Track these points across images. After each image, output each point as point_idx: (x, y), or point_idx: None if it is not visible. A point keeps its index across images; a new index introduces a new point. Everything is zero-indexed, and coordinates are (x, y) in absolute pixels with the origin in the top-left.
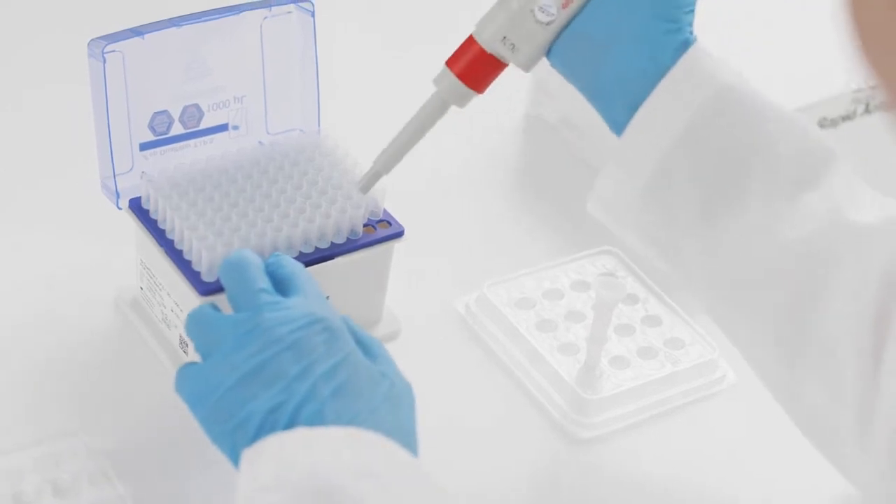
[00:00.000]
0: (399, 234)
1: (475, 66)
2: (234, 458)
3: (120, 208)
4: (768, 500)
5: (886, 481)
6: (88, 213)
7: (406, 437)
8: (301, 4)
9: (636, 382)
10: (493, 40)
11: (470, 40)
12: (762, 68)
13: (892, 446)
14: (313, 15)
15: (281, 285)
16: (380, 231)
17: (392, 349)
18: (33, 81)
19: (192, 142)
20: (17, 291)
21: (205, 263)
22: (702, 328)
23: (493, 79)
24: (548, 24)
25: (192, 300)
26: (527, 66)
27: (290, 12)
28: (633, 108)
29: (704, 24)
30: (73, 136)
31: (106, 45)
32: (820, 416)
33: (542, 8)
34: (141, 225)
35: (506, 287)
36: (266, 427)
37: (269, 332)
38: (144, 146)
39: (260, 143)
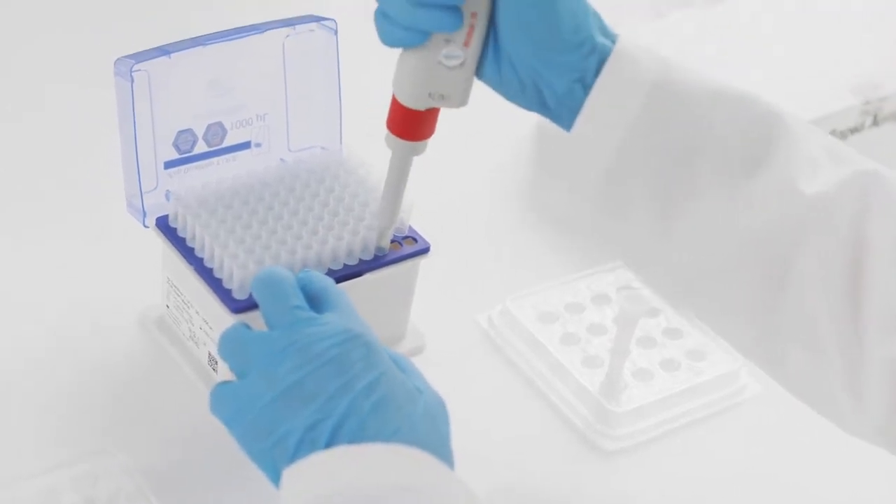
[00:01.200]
0: (425, 251)
1: (413, 123)
2: (274, 477)
3: (147, 227)
4: None
5: (886, 436)
6: (112, 232)
7: (444, 451)
8: (324, 23)
9: (660, 394)
10: (419, 99)
11: (396, 103)
12: (770, 82)
13: (887, 401)
14: (336, 33)
15: (313, 301)
16: (406, 247)
17: (417, 364)
18: (57, 100)
19: (215, 160)
20: (43, 311)
21: (236, 281)
22: (722, 339)
23: (435, 121)
24: (461, 64)
25: (223, 318)
26: (462, 104)
27: (312, 31)
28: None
29: (713, 37)
30: (96, 155)
31: (133, 63)
32: (807, 381)
33: (447, 56)
34: (169, 243)
35: (528, 300)
36: (306, 444)
37: (307, 348)
38: (169, 164)
39: (282, 160)
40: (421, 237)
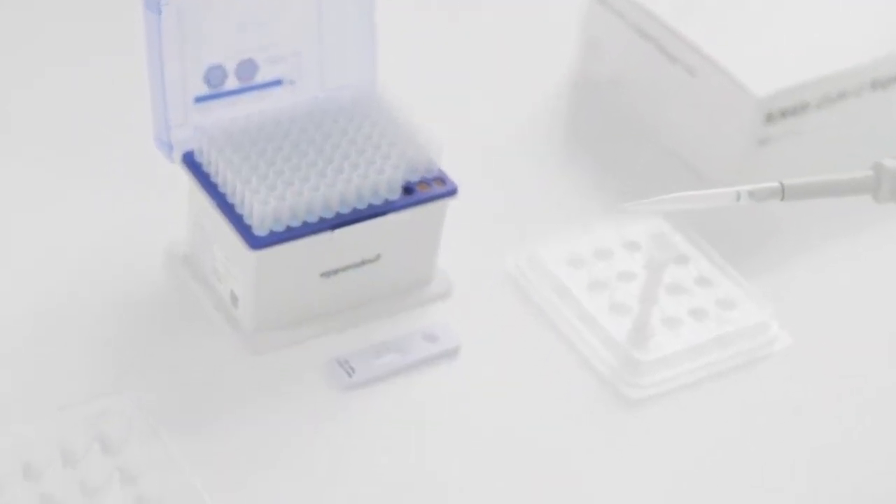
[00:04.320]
0: (453, 192)
1: None
2: None
3: (173, 162)
4: (819, 463)
5: None
6: (142, 168)
7: None
8: None
9: (687, 343)
10: None
11: None
12: (814, 31)
13: None
14: None
15: None
16: (434, 188)
17: (444, 308)
18: (85, 35)
19: (246, 96)
20: (69, 246)
21: (256, 217)
22: (754, 289)
23: None
24: None
25: (243, 254)
26: None
27: None
28: None
29: None
30: (130, 88)
31: None
32: None
33: None
34: (194, 178)
35: (557, 245)
36: None
37: None
38: (200, 99)
39: (315, 97)
40: (449, 179)
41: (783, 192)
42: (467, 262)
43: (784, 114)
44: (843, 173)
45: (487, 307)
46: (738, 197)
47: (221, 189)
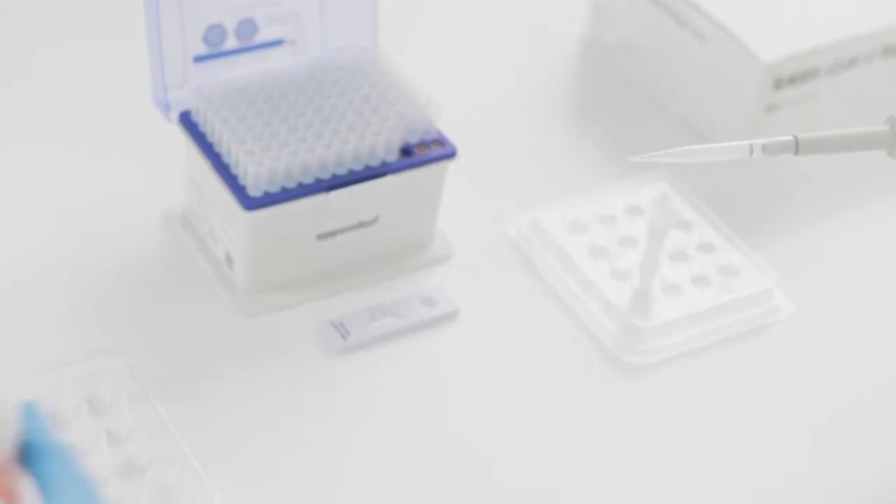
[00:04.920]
0: (451, 155)
1: None
2: None
3: (170, 121)
4: (821, 431)
5: None
6: (142, 128)
7: None
8: None
9: (689, 310)
10: None
11: None
12: None
13: None
14: None
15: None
16: (433, 150)
17: (444, 272)
18: None
19: (246, 56)
20: (66, 206)
21: (251, 178)
22: (758, 256)
23: None
24: None
25: (237, 215)
26: None
27: None
28: None
29: None
30: (127, 49)
31: None
32: None
33: None
34: (190, 138)
35: (558, 210)
36: None
37: None
38: (199, 59)
39: (315, 58)
40: (449, 141)
41: (797, 146)
42: (468, 227)
43: (793, 80)
44: (857, 128)
45: (487, 272)
46: (752, 151)
47: (217, 149)
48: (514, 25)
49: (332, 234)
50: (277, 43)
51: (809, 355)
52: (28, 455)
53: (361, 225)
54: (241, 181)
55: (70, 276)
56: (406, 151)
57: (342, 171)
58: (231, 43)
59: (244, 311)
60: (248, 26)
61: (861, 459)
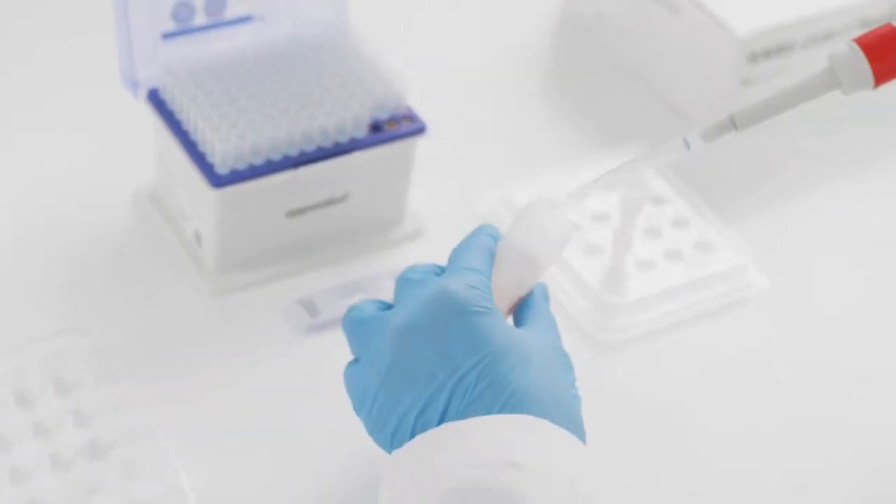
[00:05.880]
0: (421, 130)
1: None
2: None
3: (138, 99)
4: (795, 406)
5: None
6: (112, 106)
7: (565, 411)
8: None
9: (662, 286)
10: None
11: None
12: None
13: None
14: None
15: None
16: (403, 126)
17: (415, 249)
18: None
19: (215, 32)
20: (36, 184)
21: (218, 155)
22: (732, 232)
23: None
24: None
25: (205, 192)
26: None
27: None
28: None
29: None
30: (96, 27)
31: None
32: None
33: None
34: (158, 116)
35: (529, 186)
36: (418, 431)
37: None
38: (167, 36)
39: (285, 34)
40: (418, 117)
41: (734, 123)
42: (439, 203)
43: (768, 54)
44: (798, 80)
45: None
46: (689, 145)
47: (185, 127)
48: None
49: (302, 211)
50: (246, 19)
51: (784, 330)
52: None
53: (331, 202)
54: (209, 159)
55: (38, 255)
56: (375, 127)
57: (311, 148)
58: (200, 19)
59: (214, 289)
60: (216, 1)
61: (835, 432)
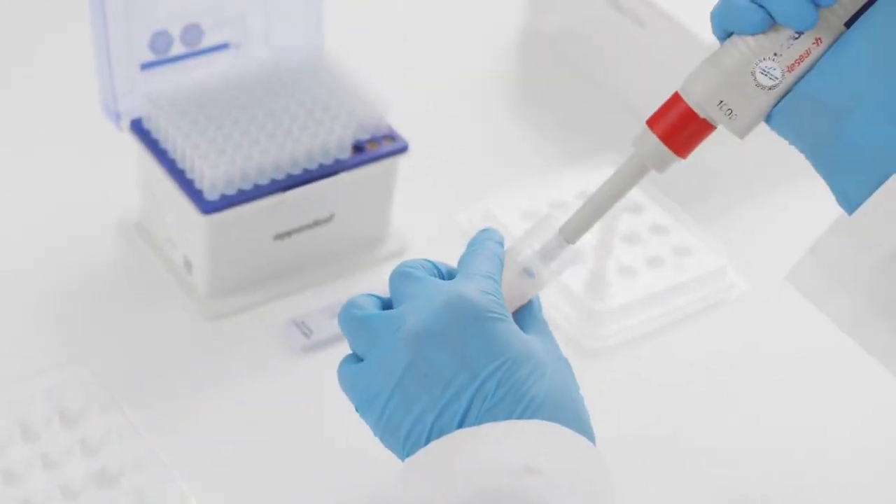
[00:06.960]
0: (403, 149)
1: (681, 130)
2: None
3: (121, 130)
4: (777, 407)
5: None
6: (93, 137)
7: (577, 415)
8: None
9: (644, 292)
10: (706, 103)
11: (676, 99)
12: None
13: None
14: None
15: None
16: (385, 146)
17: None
18: (31, 5)
19: (193, 61)
20: (22, 218)
21: (207, 182)
22: (709, 235)
23: (699, 142)
24: (770, 88)
25: (195, 219)
26: (743, 133)
27: None
28: (874, 184)
29: None
30: (75, 59)
31: None
32: None
33: (764, 70)
34: (143, 145)
35: (509, 199)
36: (434, 436)
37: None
38: (146, 66)
39: (262, 60)
40: (400, 136)
41: (568, 234)
42: (421, 219)
43: None
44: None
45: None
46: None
47: (171, 155)
48: (454, 18)
49: (289, 233)
50: (223, 47)
51: (764, 331)
52: None
53: (317, 223)
54: (198, 185)
55: (29, 289)
56: (358, 148)
57: (297, 171)
58: (177, 49)
59: (206, 314)
60: (193, 31)
61: (819, 428)
